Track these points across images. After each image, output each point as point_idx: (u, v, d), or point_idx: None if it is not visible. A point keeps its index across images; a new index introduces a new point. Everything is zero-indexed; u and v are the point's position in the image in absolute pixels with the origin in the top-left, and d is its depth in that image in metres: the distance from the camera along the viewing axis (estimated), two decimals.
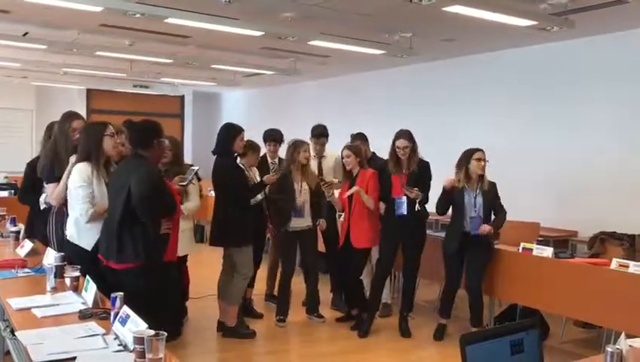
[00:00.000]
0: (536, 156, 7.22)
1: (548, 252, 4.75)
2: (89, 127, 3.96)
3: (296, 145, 5.26)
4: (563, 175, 6.93)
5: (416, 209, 4.96)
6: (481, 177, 4.93)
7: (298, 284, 5.58)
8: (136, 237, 3.43)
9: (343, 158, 5.28)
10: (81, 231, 3.68)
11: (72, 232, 3.71)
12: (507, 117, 7.62)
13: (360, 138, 5.78)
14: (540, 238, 5.47)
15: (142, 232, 3.44)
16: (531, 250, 4.88)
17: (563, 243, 6.37)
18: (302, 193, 5.24)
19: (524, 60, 7.45)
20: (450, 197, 4.94)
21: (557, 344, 5.00)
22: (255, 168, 5.42)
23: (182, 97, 14.38)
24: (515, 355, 1.83)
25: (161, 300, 3.45)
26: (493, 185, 4.97)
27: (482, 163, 4.89)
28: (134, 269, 3.41)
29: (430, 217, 6.38)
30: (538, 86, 7.26)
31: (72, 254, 3.57)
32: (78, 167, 3.71)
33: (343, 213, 5.37)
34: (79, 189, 3.66)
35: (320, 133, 5.87)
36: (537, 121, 7.25)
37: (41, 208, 4.26)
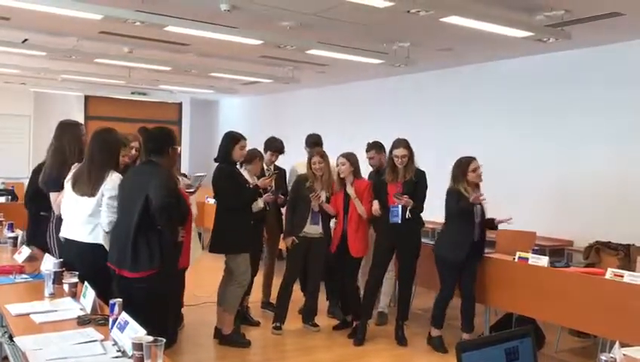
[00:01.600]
0: (533, 165, 7.26)
1: (544, 261, 4.78)
2: (110, 136, 3.89)
3: (309, 157, 5.31)
4: (559, 185, 6.97)
5: (406, 216, 4.98)
6: (478, 186, 4.95)
7: (295, 292, 5.59)
8: (152, 244, 3.43)
9: (337, 166, 5.30)
10: (107, 235, 3.67)
11: (102, 237, 3.64)
12: (504, 127, 7.66)
13: (375, 147, 5.73)
14: (535, 247, 5.49)
15: (158, 239, 3.44)
16: (527, 259, 4.90)
17: (559, 252, 6.41)
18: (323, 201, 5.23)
19: (521, 70, 7.50)
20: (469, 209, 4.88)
21: (552, 352, 5.02)
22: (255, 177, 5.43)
23: (180, 104, 14.41)
24: None
25: (169, 307, 3.46)
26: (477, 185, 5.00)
27: (479, 171, 4.92)
28: (149, 277, 3.42)
29: (427, 226, 6.42)
30: (535, 96, 7.30)
31: (96, 259, 3.56)
32: (117, 177, 3.66)
33: (337, 220, 5.38)
34: (114, 200, 3.62)
35: (314, 142, 5.89)
36: (534, 131, 7.30)
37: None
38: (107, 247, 3.63)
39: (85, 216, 3.64)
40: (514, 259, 5.03)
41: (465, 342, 1.76)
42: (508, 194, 7.30)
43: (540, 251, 5.19)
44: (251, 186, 5.05)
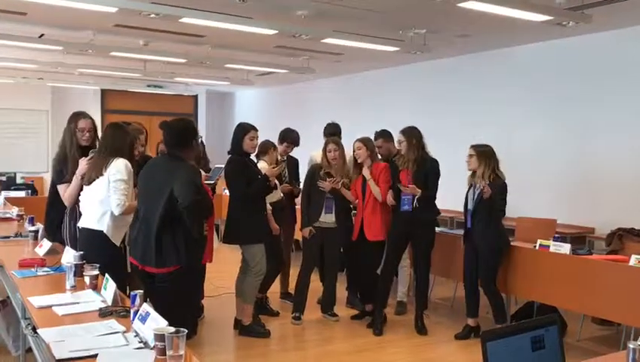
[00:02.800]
0: (552, 153, 7.17)
1: (565, 249, 4.71)
2: (119, 128, 3.95)
3: (324, 146, 5.31)
4: (580, 172, 6.87)
5: (414, 205, 4.95)
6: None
7: (314, 283, 5.59)
8: (177, 240, 3.43)
9: (354, 151, 5.28)
10: (117, 226, 3.72)
11: (106, 226, 3.71)
12: (522, 114, 7.57)
13: (383, 135, 5.73)
14: (556, 235, 5.42)
15: (182, 235, 3.45)
16: (548, 246, 4.84)
17: (580, 239, 6.32)
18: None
19: (539, 56, 7.39)
20: None
21: (575, 341, 4.96)
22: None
23: (195, 97, 14.44)
24: (536, 352, 1.82)
25: (192, 300, 3.47)
26: None
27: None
28: (174, 273, 3.43)
29: (445, 215, 6.38)
30: (553, 82, 7.20)
31: (101, 248, 3.61)
32: (123, 161, 3.73)
33: (356, 208, 5.38)
34: (121, 182, 3.68)
35: (332, 133, 5.86)
36: (553, 118, 7.19)
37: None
38: (111, 236, 3.69)
39: (95, 202, 3.75)
40: (534, 246, 4.97)
41: (489, 331, 1.73)
42: (527, 181, 7.22)
43: (561, 239, 5.12)
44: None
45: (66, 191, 4.07)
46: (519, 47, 7.57)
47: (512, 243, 5.10)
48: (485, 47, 7.80)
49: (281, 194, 5.33)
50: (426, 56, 7.96)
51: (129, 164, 3.76)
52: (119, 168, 3.71)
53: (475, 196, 4.84)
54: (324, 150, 5.30)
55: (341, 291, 5.83)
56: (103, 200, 3.73)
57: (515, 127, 7.55)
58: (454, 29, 6.69)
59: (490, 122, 7.81)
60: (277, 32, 6.23)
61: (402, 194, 4.99)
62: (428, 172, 5.00)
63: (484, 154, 4.82)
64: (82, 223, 3.86)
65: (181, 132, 3.68)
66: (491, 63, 8.02)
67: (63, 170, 4.11)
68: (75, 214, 4.01)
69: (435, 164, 5.05)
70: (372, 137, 5.70)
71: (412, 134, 5.03)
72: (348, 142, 5.97)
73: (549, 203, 6.90)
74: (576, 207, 6.80)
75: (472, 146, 4.91)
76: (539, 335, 1.84)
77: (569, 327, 5.04)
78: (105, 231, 3.72)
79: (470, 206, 4.90)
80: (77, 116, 4.25)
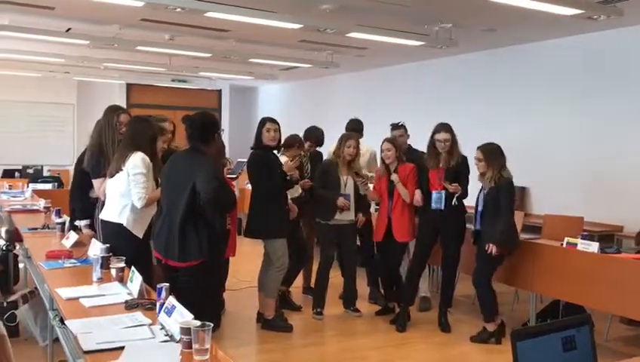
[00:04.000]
0: (579, 149, 7.05)
1: (594, 247, 4.62)
2: (141, 122, 3.98)
3: (342, 140, 5.27)
4: (608, 169, 6.73)
5: (453, 203, 4.89)
6: None
7: (335, 278, 5.58)
8: (200, 234, 3.45)
9: (382, 151, 5.24)
10: (137, 219, 3.76)
11: (125, 219, 3.76)
12: (549, 110, 7.44)
13: (399, 128, 5.67)
14: (584, 233, 5.32)
15: (205, 229, 3.46)
16: (575, 244, 4.75)
17: (608, 238, 6.20)
18: (346, 187, 5.22)
19: (568, 51, 7.26)
20: None
21: (602, 341, 4.87)
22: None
23: (219, 91, 14.49)
24: (567, 352, 1.78)
25: (215, 294, 3.48)
26: None
27: None
28: (196, 266, 3.44)
29: (471, 211, 6.30)
30: (582, 77, 7.06)
31: (122, 241, 3.64)
32: (140, 155, 3.75)
33: (379, 206, 5.35)
34: (140, 175, 3.71)
35: (353, 128, 5.82)
36: (581, 114, 7.07)
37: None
38: (131, 229, 3.72)
39: (116, 195, 3.79)
40: (562, 244, 4.88)
41: (519, 330, 1.70)
42: (554, 178, 7.12)
43: (589, 237, 5.02)
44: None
45: (101, 186, 4.09)
46: (546, 41, 7.44)
47: (538, 241, 5.02)
48: (511, 42, 7.69)
49: (301, 190, 5.31)
50: (451, 51, 7.87)
51: (146, 158, 3.77)
52: (136, 162, 3.74)
53: (483, 197, 4.78)
54: (343, 144, 5.25)
55: (364, 287, 5.82)
56: (124, 194, 3.76)
57: (541, 124, 7.43)
58: (481, 23, 6.60)
59: (515, 118, 7.70)
60: (302, 26, 6.21)
61: (434, 191, 4.92)
62: (459, 169, 4.93)
63: (492, 156, 4.70)
64: (103, 215, 3.91)
65: (203, 126, 3.69)
66: (517, 58, 7.90)
67: (99, 164, 4.12)
68: None
69: (465, 161, 4.98)
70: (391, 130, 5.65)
71: (452, 131, 4.91)
72: (369, 138, 5.96)
73: (577, 200, 6.78)
74: (604, 205, 6.67)
75: (480, 149, 4.75)
76: (570, 335, 1.80)
77: (596, 327, 4.92)
78: (125, 224, 3.76)
79: (480, 207, 4.82)
80: (117, 110, 4.29)
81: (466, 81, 8.68)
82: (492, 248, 4.59)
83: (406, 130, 5.70)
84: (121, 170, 3.76)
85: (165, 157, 4.12)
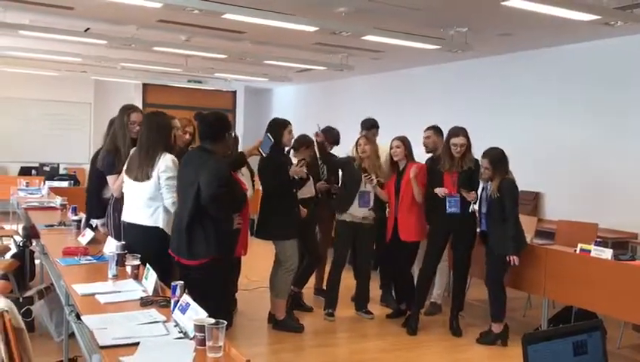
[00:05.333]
0: (593, 155, 7.00)
1: (607, 254, 4.60)
2: (159, 118, 3.96)
3: (356, 142, 5.34)
4: (623, 175, 6.69)
5: (470, 210, 4.89)
6: None
7: (348, 279, 5.59)
8: (207, 232, 3.47)
9: (391, 148, 5.24)
10: (169, 220, 3.74)
11: (162, 221, 3.72)
12: (565, 116, 7.40)
13: (434, 128, 5.49)
14: (598, 239, 5.30)
15: (213, 227, 3.48)
16: (589, 251, 4.73)
17: (622, 245, 6.16)
18: (366, 185, 5.23)
19: (584, 56, 7.22)
20: None
21: (615, 349, 4.84)
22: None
23: (234, 93, 14.57)
24: (578, 356, 1.79)
25: (225, 292, 3.50)
26: None
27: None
28: (205, 265, 3.48)
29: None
30: (599, 83, 7.02)
31: (156, 241, 3.65)
32: (170, 158, 3.72)
33: (389, 208, 5.35)
34: (172, 180, 3.69)
35: (371, 125, 5.85)
36: (595, 120, 7.02)
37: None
38: (168, 231, 3.71)
39: (145, 199, 3.73)
40: (575, 251, 4.86)
41: (530, 334, 1.71)
42: (568, 184, 7.08)
43: (603, 243, 5.01)
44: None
45: (115, 182, 4.14)
46: (562, 47, 7.40)
47: (552, 247, 5.00)
48: (527, 47, 7.66)
49: (313, 191, 5.33)
50: (465, 55, 7.86)
51: (175, 159, 3.76)
52: (168, 165, 3.70)
53: (487, 198, 4.79)
54: (356, 143, 5.35)
55: (375, 289, 5.82)
56: (154, 197, 3.71)
57: (556, 129, 7.39)
58: (497, 28, 6.59)
59: (531, 123, 7.66)
60: (317, 28, 6.24)
61: (449, 196, 4.91)
62: (474, 172, 4.92)
63: (498, 163, 4.73)
64: (130, 218, 3.83)
65: (214, 124, 3.71)
66: (533, 62, 7.87)
67: (114, 161, 4.17)
68: (120, 206, 4.02)
69: (478, 165, 4.95)
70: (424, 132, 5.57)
71: (468, 135, 4.91)
72: (384, 140, 5.95)
73: (591, 206, 6.74)
74: (618, 212, 6.62)
75: (486, 158, 4.75)
76: (581, 340, 1.81)
77: (609, 334, 4.91)
78: (162, 227, 3.73)
79: (484, 209, 4.83)
80: (129, 109, 4.33)
81: (481, 85, 8.66)
82: (514, 260, 4.66)
83: (439, 132, 5.51)
84: (151, 176, 3.69)
85: (181, 156, 4.16)
